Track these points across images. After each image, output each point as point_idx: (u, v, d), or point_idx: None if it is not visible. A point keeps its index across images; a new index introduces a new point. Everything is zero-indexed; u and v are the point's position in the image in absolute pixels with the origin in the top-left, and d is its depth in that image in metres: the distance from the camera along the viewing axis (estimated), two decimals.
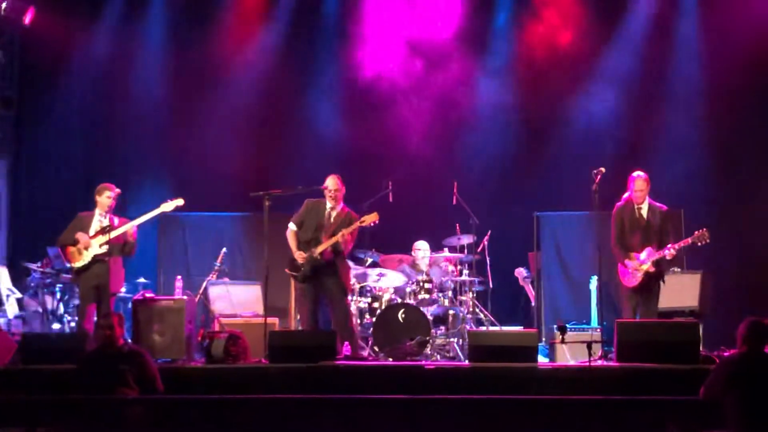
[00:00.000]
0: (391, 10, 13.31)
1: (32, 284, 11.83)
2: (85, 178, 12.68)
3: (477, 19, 13.25)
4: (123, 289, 10.64)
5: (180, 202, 10.14)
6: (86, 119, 13.39)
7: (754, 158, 12.49)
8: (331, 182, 9.91)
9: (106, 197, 9.92)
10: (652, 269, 9.57)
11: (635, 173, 9.78)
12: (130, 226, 9.89)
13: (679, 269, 11.17)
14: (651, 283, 9.64)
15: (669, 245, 9.57)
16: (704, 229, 9.58)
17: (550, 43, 13.07)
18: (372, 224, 9.80)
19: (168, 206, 10.09)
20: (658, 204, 9.83)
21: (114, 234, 9.74)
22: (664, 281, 9.78)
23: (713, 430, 6.75)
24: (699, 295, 10.94)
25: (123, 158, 13.10)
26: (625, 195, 9.84)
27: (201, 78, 13.24)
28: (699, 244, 9.61)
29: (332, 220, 9.88)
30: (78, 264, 9.79)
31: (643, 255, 9.60)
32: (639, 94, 12.86)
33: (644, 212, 9.78)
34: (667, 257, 9.62)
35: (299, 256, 9.72)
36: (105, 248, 9.75)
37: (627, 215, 9.77)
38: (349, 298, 10.23)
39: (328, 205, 9.92)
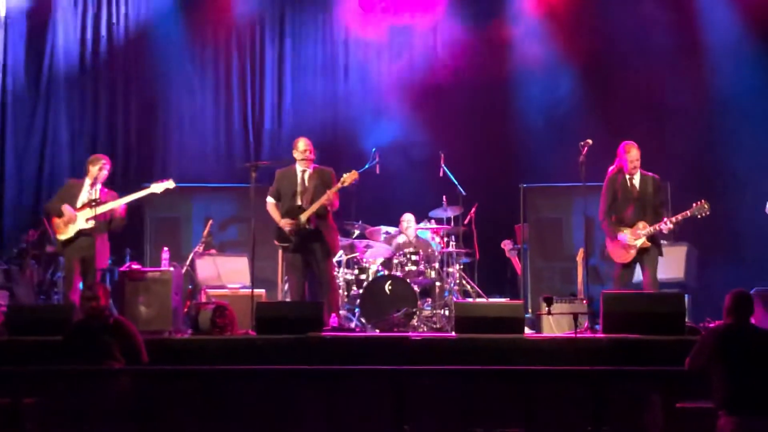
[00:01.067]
0: None
1: (18, 255, 11.79)
2: (72, 150, 12.66)
3: None
4: (109, 262, 10.61)
5: (170, 184, 10.09)
6: (74, 90, 13.27)
7: (742, 127, 12.48)
8: (302, 143, 9.79)
9: (98, 168, 9.88)
10: (647, 244, 9.38)
11: (627, 142, 9.53)
12: (117, 204, 9.85)
13: (665, 241, 11.18)
14: (645, 256, 9.41)
15: (665, 218, 9.36)
16: (703, 200, 9.31)
17: (540, 12, 13.02)
18: (353, 183, 9.71)
19: (158, 187, 10.05)
20: (650, 173, 9.60)
21: (101, 210, 9.70)
22: (662, 253, 9.57)
23: (698, 400, 6.80)
24: (684, 267, 10.98)
25: (110, 129, 13.04)
26: (613, 165, 9.64)
27: (191, 49, 13.18)
28: (699, 216, 9.33)
29: (306, 183, 9.75)
30: (62, 236, 9.76)
31: (637, 229, 9.35)
32: (624, 64, 12.81)
33: (636, 183, 9.52)
34: (664, 231, 9.39)
35: (286, 223, 9.64)
36: (91, 223, 9.71)
37: (619, 186, 9.51)
38: (335, 261, 10.14)
39: (299, 168, 9.81)
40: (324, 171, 9.82)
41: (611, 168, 9.66)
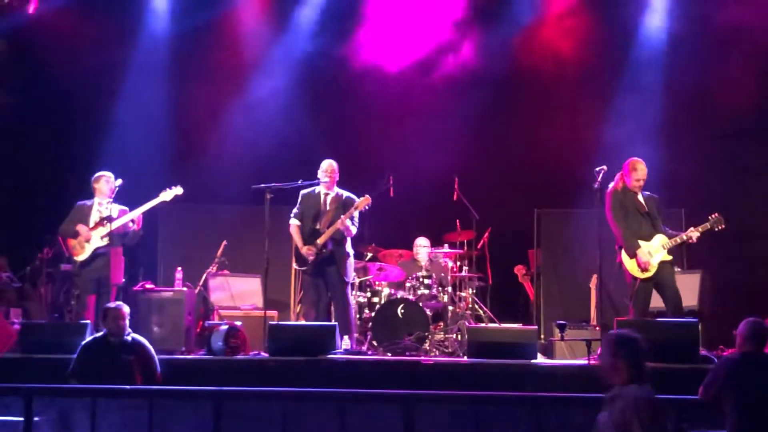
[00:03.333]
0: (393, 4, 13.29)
1: (32, 273, 11.83)
2: (85, 169, 12.68)
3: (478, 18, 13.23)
4: (123, 279, 10.64)
5: (179, 190, 10.16)
6: (86, 109, 13.30)
7: (754, 155, 12.45)
8: (325, 164, 9.98)
9: (104, 183, 9.95)
10: (668, 257, 9.44)
11: (636, 159, 9.57)
12: (131, 217, 9.92)
13: (678, 269, 11.15)
14: (665, 270, 9.43)
15: (691, 228, 9.45)
16: (716, 213, 9.46)
17: (552, 45, 13.02)
18: (366, 208, 9.80)
19: (167, 195, 10.12)
20: (647, 192, 9.68)
21: (115, 225, 9.77)
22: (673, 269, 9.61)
23: (712, 430, 6.76)
24: (698, 295, 10.94)
25: (123, 149, 13.04)
26: (613, 184, 9.62)
27: (204, 69, 13.20)
28: (716, 228, 9.46)
29: (329, 206, 9.90)
30: (80, 257, 9.82)
31: (658, 242, 9.42)
32: (639, 92, 12.78)
33: (641, 200, 9.59)
34: (693, 240, 9.46)
35: (308, 251, 9.75)
36: (106, 240, 9.77)
37: (629, 202, 9.53)
38: (350, 289, 10.18)
39: (323, 190, 9.94)
40: (347, 197, 9.92)
41: (612, 185, 9.65)
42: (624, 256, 9.51)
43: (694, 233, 9.43)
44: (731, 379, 6.32)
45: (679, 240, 9.44)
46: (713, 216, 9.50)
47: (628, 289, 9.70)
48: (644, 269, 9.36)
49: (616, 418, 5.53)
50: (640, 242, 9.41)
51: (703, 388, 6.53)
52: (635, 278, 9.45)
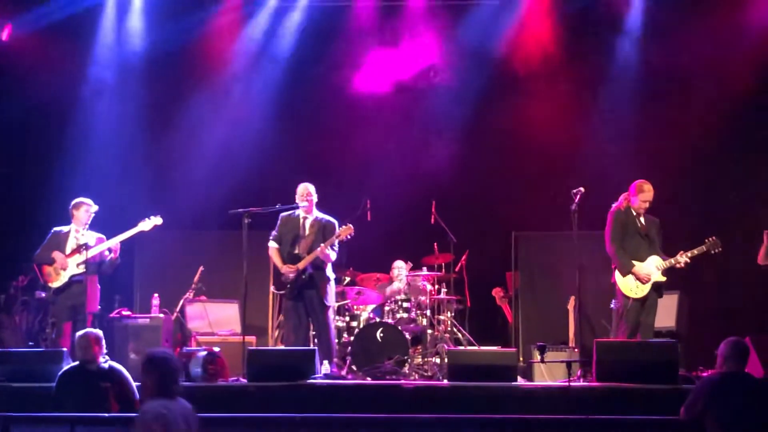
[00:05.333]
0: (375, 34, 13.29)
1: (7, 302, 11.71)
2: (59, 195, 12.57)
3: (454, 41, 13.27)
4: (99, 307, 10.55)
5: (158, 221, 10.12)
6: (60, 134, 13.18)
7: (731, 175, 12.53)
8: (301, 188, 9.93)
9: (83, 212, 9.89)
10: (662, 278, 9.46)
11: (643, 181, 9.58)
12: (108, 245, 9.85)
13: None
14: (654, 295, 9.47)
15: (681, 252, 9.43)
16: (713, 237, 9.45)
17: (529, 62, 13.06)
18: (347, 237, 9.78)
19: (146, 225, 10.06)
20: (649, 215, 9.69)
21: (92, 253, 9.71)
22: (661, 295, 9.62)
23: None
24: (676, 315, 10.99)
25: (99, 175, 12.95)
26: (618, 203, 9.65)
27: (179, 94, 13.14)
28: (713, 252, 9.45)
29: (308, 230, 9.86)
30: (55, 284, 9.74)
31: (653, 263, 9.45)
32: (616, 115, 12.84)
33: (642, 221, 9.61)
34: (681, 265, 9.45)
35: (287, 269, 9.70)
36: (82, 268, 9.70)
37: (630, 222, 9.56)
38: (331, 313, 10.14)
39: (302, 214, 9.91)
40: (327, 222, 9.88)
41: (616, 204, 9.67)
42: (617, 275, 9.54)
43: (682, 258, 9.43)
44: (713, 399, 6.33)
45: (668, 264, 9.44)
46: (710, 239, 9.46)
47: (611, 311, 9.76)
48: (645, 281, 9.37)
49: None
50: (635, 262, 9.44)
51: (684, 409, 6.54)
52: (627, 298, 9.46)
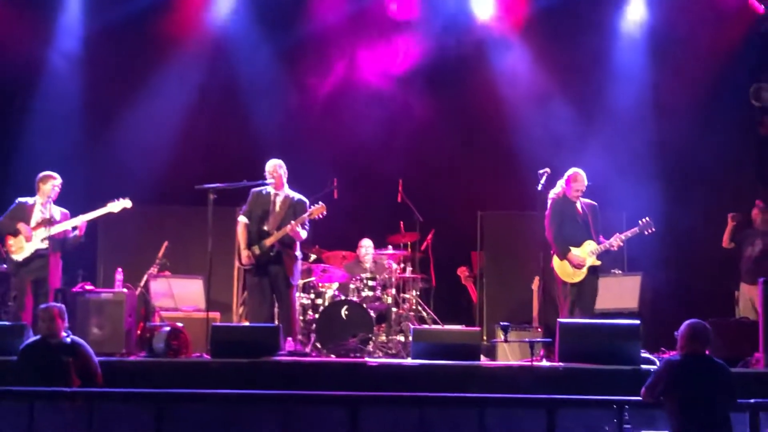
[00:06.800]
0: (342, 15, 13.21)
1: None
2: (22, 169, 12.43)
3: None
4: (61, 281, 10.46)
5: (128, 203, 10.01)
6: (22, 106, 12.99)
7: (693, 159, 12.63)
8: (269, 164, 9.84)
9: (50, 185, 9.77)
10: (597, 263, 9.65)
11: (575, 170, 9.80)
12: (74, 223, 9.75)
13: (619, 271, 11.31)
14: (591, 278, 9.68)
15: (616, 234, 9.69)
16: (647, 218, 9.71)
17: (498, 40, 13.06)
18: (320, 216, 9.74)
19: (115, 206, 9.95)
20: (587, 199, 9.88)
21: (56, 229, 9.61)
22: (597, 277, 9.80)
23: (654, 431, 6.83)
24: (638, 297, 11.07)
25: (62, 149, 12.80)
26: (556, 191, 9.82)
27: (144, 68, 13.00)
28: (646, 232, 9.71)
29: (278, 207, 9.79)
30: (18, 256, 9.62)
31: (587, 248, 9.64)
32: (583, 96, 12.88)
33: (579, 207, 9.79)
34: (615, 248, 9.71)
35: (246, 257, 9.66)
36: (46, 243, 9.59)
37: (567, 210, 9.76)
38: (295, 291, 10.11)
39: (272, 191, 9.84)
40: (298, 200, 9.82)
41: (557, 192, 9.83)
42: (555, 260, 9.74)
43: (616, 241, 9.69)
44: (674, 380, 6.39)
45: (603, 248, 9.66)
46: (643, 220, 9.74)
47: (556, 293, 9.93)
48: (579, 267, 9.57)
49: None
50: (571, 248, 9.63)
51: (645, 389, 6.59)
52: (565, 283, 9.67)
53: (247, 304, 10.31)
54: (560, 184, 9.84)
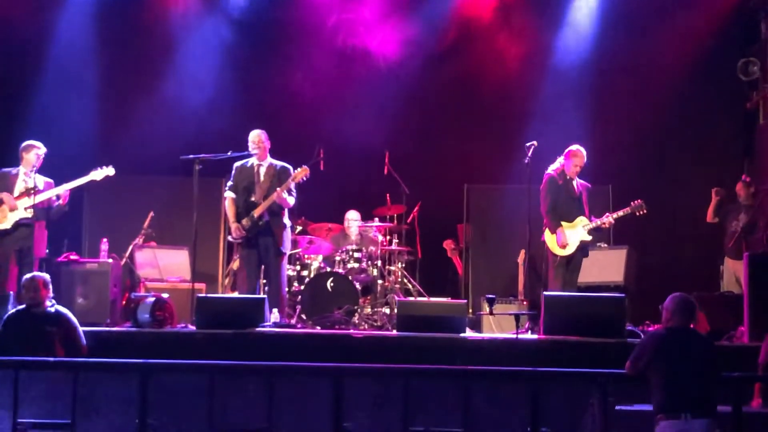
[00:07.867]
0: None
1: None
2: (6, 137, 12.34)
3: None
4: (46, 251, 10.42)
5: (110, 171, 9.97)
6: (8, 75, 12.90)
7: (680, 134, 12.65)
8: (253, 135, 9.80)
9: (33, 155, 9.72)
10: (588, 238, 9.75)
11: (576, 147, 9.85)
12: (57, 192, 9.70)
13: (605, 245, 11.32)
14: (580, 253, 9.78)
15: (607, 213, 9.80)
16: (640, 200, 9.78)
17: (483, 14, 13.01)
18: (303, 179, 9.69)
19: (98, 174, 9.92)
20: (582, 180, 9.97)
21: (40, 198, 9.57)
22: (587, 254, 9.93)
23: (637, 404, 6.86)
24: (624, 270, 11.10)
25: (48, 117, 12.71)
26: (555, 167, 9.88)
27: (132, 36, 12.91)
28: (637, 214, 9.81)
29: (263, 177, 9.76)
30: (2, 226, 9.59)
31: (579, 224, 9.71)
32: (572, 71, 12.84)
33: (575, 185, 9.88)
34: (606, 225, 9.85)
35: (236, 230, 9.63)
36: (30, 212, 9.55)
37: (563, 186, 9.82)
38: (285, 261, 10.08)
39: (256, 162, 9.80)
40: (282, 167, 9.79)
41: (555, 168, 9.86)
42: (546, 233, 9.81)
43: (607, 219, 9.82)
44: (658, 354, 6.39)
45: (594, 225, 9.76)
46: (635, 202, 9.83)
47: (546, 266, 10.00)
48: (563, 246, 9.66)
49: None
50: (563, 223, 9.70)
51: (630, 363, 6.60)
52: (555, 255, 9.75)
53: (238, 276, 10.27)
54: (559, 160, 9.91)
